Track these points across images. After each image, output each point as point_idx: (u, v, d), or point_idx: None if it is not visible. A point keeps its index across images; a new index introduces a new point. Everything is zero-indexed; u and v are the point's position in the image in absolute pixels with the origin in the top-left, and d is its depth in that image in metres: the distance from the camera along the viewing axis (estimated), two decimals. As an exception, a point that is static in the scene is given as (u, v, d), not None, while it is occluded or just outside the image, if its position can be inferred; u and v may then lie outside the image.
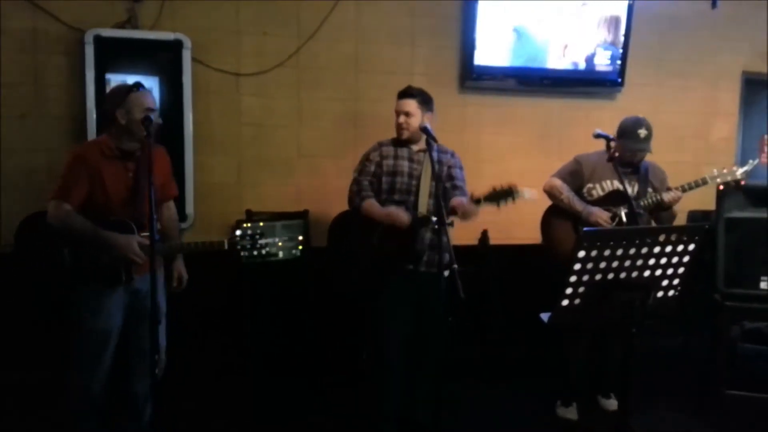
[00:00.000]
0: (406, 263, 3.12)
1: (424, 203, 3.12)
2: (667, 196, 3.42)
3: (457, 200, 3.05)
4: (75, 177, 2.70)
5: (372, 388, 3.29)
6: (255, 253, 2.78)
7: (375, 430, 3.23)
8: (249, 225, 2.79)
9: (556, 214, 3.63)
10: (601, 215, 3.45)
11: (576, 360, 3.65)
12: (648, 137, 3.43)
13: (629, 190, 3.42)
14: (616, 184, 3.47)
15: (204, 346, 3.75)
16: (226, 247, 2.78)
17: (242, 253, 2.77)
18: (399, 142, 3.24)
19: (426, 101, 3.19)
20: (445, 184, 3.21)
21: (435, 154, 3.10)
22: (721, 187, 3.43)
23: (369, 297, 3.24)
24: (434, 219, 2.93)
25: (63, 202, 2.67)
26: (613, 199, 3.50)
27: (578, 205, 3.50)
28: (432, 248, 3.12)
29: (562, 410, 3.63)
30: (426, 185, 3.13)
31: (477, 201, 2.86)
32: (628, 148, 3.42)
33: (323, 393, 3.83)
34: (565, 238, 3.55)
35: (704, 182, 3.43)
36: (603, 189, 3.53)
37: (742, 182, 3.37)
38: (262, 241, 2.79)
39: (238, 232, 2.78)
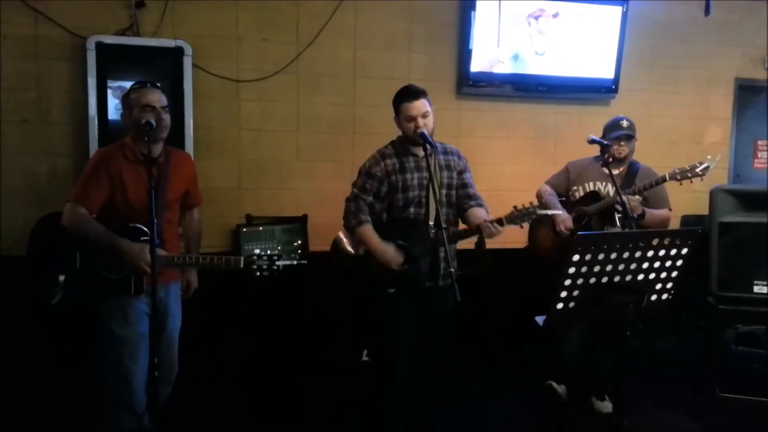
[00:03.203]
0: (428, 281, 2.94)
1: (433, 214, 2.92)
2: (628, 200, 3.34)
3: (479, 218, 2.89)
4: (95, 180, 2.63)
5: (376, 394, 3.20)
6: (267, 274, 2.74)
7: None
8: (260, 251, 2.76)
9: (539, 219, 3.72)
10: (560, 218, 3.56)
11: (570, 361, 3.71)
12: (630, 127, 3.56)
13: (610, 191, 3.51)
14: (598, 187, 3.60)
15: (202, 350, 3.76)
16: (241, 265, 2.70)
17: (254, 272, 2.73)
18: (401, 150, 3.01)
19: (428, 97, 2.98)
20: (458, 191, 3.07)
21: (441, 158, 3.01)
22: (681, 184, 3.38)
23: (373, 309, 3.17)
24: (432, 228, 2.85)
25: (79, 206, 2.61)
26: (588, 200, 3.60)
27: (553, 208, 3.57)
28: (445, 259, 2.84)
29: (554, 385, 3.72)
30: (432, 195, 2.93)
31: (500, 222, 2.81)
32: (612, 138, 3.52)
33: (322, 395, 3.85)
34: (545, 241, 3.68)
35: (664, 180, 3.39)
36: (585, 190, 3.62)
37: (702, 179, 3.33)
38: (280, 263, 2.75)
39: (257, 251, 2.75)
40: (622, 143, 3.55)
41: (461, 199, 3.08)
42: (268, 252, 2.75)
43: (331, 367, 4.09)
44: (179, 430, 3.19)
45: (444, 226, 2.72)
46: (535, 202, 2.79)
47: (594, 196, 3.59)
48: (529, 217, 2.78)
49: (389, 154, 3.02)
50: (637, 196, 3.43)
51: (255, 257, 2.73)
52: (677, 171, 3.36)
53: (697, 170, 3.32)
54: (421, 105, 2.91)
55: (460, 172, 3.10)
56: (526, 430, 3.50)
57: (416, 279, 2.94)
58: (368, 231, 2.95)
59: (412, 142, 2.96)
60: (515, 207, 2.80)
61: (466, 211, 3.03)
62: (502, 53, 4.43)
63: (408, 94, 2.93)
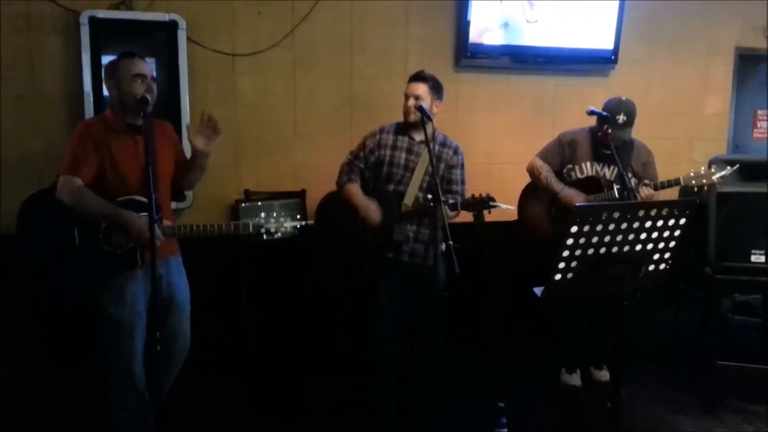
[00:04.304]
0: (385, 251, 3.11)
1: (412, 195, 3.11)
2: (643, 193, 3.39)
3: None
4: (84, 151, 2.55)
5: (367, 381, 3.29)
6: (277, 235, 2.72)
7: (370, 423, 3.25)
8: (261, 205, 2.73)
9: (532, 194, 3.71)
10: (577, 197, 3.47)
11: (570, 334, 3.74)
12: (626, 123, 3.43)
13: (607, 173, 3.48)
14: (595, 169, 3.52)
15: (200, 335, 3.77)
16: (250, 230, 2.68)
17: (262, 235, 2.70)
18: (401, 130, 3.20)
19: (437, 88, 3.14)
20: (443, 184, 3.16)
21: (436, 147, 3.11)
22: (696, 189, 3.37)
23: (357, 285, 3.26)
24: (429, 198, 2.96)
25: (74, 177, 2.52)
26: (587, 185, 3.53)
27: (556, 186, 3.54)
28: (417, 240, 3.13)
29: (566, 377, 3.73)
30: (418, 178, 3.11)
31: (454, 207, 2.96)
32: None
33: (320, 385, 3.84)
34: (538, 218, 3.66)
35: (677, 183, 3.39)
36: (582, 171, 3.57)
37: (718, 187, 3.34)
38: (288, 225, 2.73)
39: (262, 214, 2.72)
40: (614, 139, 3.42)
41: (443, 192, 3.14)
42: (274, 214, 2.73)
43: (329, 358, 4.08)
44: (182, 416, 3.20)
45: (442, 200, 2.75)
46: (491, 195, 2.95)
47: (594, 182, 3.51)
48: (483, 207, 2.95)
49: (388, 130, 3.24)
50: (652, 191, 3.39)
51: (262, 220, 2.71)
52: (692, 176, 3.33)
53: (714, 177, 3.30)
54: (414, 87, 3.12)
55: (451, 167, 3.21)
56: (527, 417, 3.51)
57: (396, 247, 3.09)
58: (353, 188, 3.19)
59: (407, 122, 3.15)
60: (473, 195, 2.99)
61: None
62: (498, 24, 4.37)
63: (413, 75, 3.18)
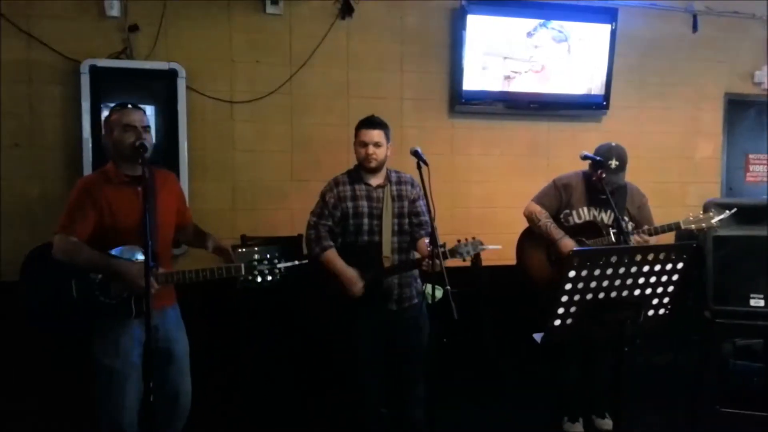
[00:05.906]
0: (373, 305, 3.09)
1: (388, 242, 3.10)
2: (634, 239, 3.36)
3: (422, 250, 3.02)
4: (80, 209, 2.59)
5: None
6: (270, 278, 2.67)
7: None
8: (258, 250, 2.67)
9: (530, 239, 3.68)
10: (570, 245, 3.44)
11: (569, 381, 3.69)
12: (619, 168, 3.44)
13: (604, 218, 3.48)
14: (593, 213, 3.52)
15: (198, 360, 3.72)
16: (242, 272, 2.65)
17: (256, 277, 2.66)
18: (355, 178, 3.17)
19: (389, 132, 3.16)
20: (412, 219, 3.18)
21: (394, 188, 3.15)
22: (696, 231, 3.38)
23: (341, 328, 3.23)
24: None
25: (69, 236, 2.55)
26: (586, 230, 3.53)
27: (555, 233, 3.52)
28: (401, 286, 3.13)
29: (568, 426, 3.65)
30: (388, 224, 3.10)
31: (444, 256, 2.86)
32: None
33: (317, 401, 3.82)
34: (538, 264, 3.61)
35: (677, 227, 3.39)
36: (579, 216, 3.55)
37: (717, 229, 3.36)
38: (281, 266, 2.68)
39: (255, 256, 2.67)
40: (608, 184, 3.41)
41: (413, 227, 3.20)
42: (268, 255, 2.67)
43: (325, 374, 4.03)
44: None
45: (437, 236, 2.75)
46: (479, 238, 2.94)
47: (593, 227, 3.51)
48: (474, 249, 2.92)
49: (343, 181, 3.20)
50: (647, 237, 3.39)
51: (255, 262, 2.67)
52: (691, 219, 3.35)
53: (713, 221, 3.33)
54: (373, 135, 3.10)
55: (413, 201, 3.22)
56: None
57: (377, 303, 3.08)
58: (332, 256, 3.11)
59: (365, 169, 3.15)
60: (459, 240, 2.94)
61: (417, 240, 3.17)
62: (492, 72, 4.46)
63: (367, 122, 3.14)
